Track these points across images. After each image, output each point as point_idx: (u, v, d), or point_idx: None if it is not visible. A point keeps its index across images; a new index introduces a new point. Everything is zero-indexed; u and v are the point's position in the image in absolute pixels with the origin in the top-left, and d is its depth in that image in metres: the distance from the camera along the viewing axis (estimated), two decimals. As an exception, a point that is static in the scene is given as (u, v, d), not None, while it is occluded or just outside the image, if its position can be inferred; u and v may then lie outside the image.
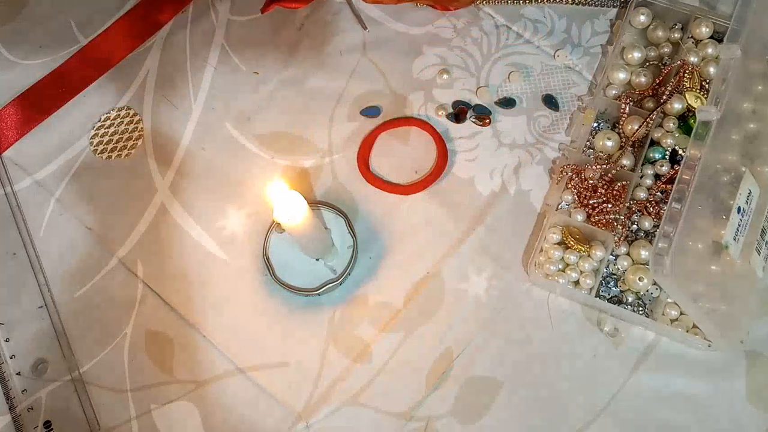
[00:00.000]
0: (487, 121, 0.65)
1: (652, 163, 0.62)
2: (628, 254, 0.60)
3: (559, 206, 0.62)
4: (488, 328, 0.60)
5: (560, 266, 0.60)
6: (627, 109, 0.63)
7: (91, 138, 0.67)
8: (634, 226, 0.61)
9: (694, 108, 0.62)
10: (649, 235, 0.61)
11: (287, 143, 0.66)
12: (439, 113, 0.66)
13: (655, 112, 0.62)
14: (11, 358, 0.61)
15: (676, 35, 0.65)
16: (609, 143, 0.62)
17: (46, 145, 0.67)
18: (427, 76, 0.67)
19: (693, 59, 0.63)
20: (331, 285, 0.60)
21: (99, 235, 0.64)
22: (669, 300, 0.58)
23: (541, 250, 0.61)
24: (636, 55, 0.65)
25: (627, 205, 0.60)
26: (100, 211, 0.65)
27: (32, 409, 0.60)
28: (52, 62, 0.70)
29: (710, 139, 0.52)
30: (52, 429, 0.59)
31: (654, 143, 0.62)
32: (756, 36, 0.56)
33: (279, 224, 0.57)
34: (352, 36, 0.69)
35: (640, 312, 0.59)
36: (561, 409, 0.58)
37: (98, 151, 0.67)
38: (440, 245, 0.62)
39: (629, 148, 0.62)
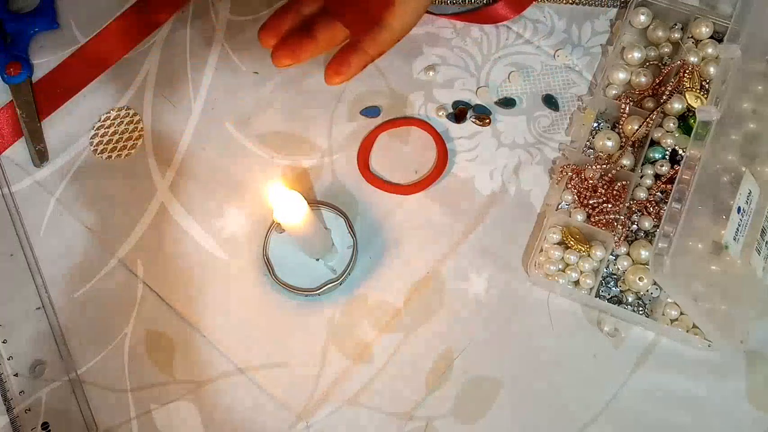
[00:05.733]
0: (487, 121, 0.65)
1: (652, 163, 0.62)
2: (628, 254, 0.60)
3: (559, 206, 0.62)
4: (488, 328, 0.60)
5: (560, 266, 0.60)
6: (627, 109, 0.63)
7: (91, 138, 0.67)
8: (634, 226, 0.61)
9: (694, 108, 0.62)
10: (649, 235, 0.61)
11: (287, 143, 0.66)
12: (439, 113, 0.66)
13: (655, 112, 0.62)
14: (9, 359, 0.61)
15: (676, 35, 0.66)
16: (609, 143, 0.62)
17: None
18: (427, 76, 0.67)
19: (693, 59, 0.63)
20: (331, 285, 0.60)
21: (99, 235, 0.64)
22: (669, 300, 0.58)
23: (541, 250, 0.61)
24: (636, 55, 0.65)
25: (627, 205, 0.60)
26: (100, 211, 0.65)
27: (30, 410, 0.60)
28: (51, 62, 0.70)
29: (710, 139, 0.52)
30: (50, 430, 0.59)
31: (654, 143, 0.62)
32: (756, 36, 0.56)
33: (279, 224, 0.58)
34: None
35: (640, 312, 0.59)
36: (561, 408, 0.58)
37: (98, 151, 0.67)
38: (440, 245, 0.62)
39: (629, 148, 0.62)
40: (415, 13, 0.55)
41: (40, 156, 0.66)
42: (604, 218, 0.60)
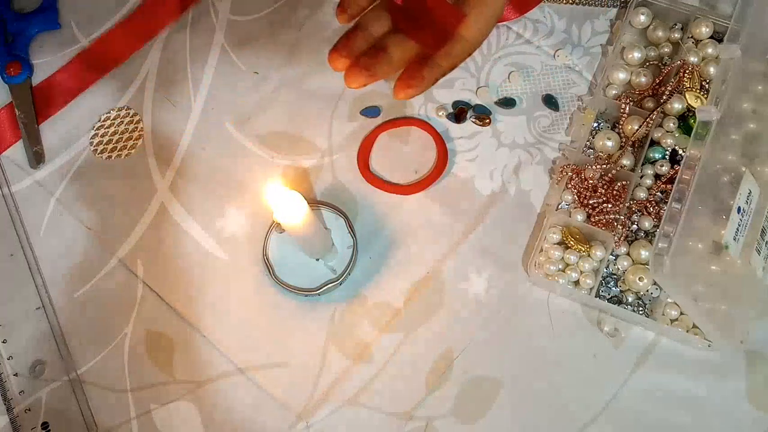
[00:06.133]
0: (487, 121, 0.65)
1: (652, 163, 0.62)
2: (628, 254, 0.60)
3: (559, 206, 0.62)
4: (488, 328, 0.60)
5: (560, 266, 0.60)
6: (627, 109, 0.63)
7: (92, 138, 0.67)
8: (634, 226, 0.61)
9: (694, 108, 0.62)
10: (649, 235, 0.61)
11: (287, 143, 0.66)
12: (439, 113, 0.66)
13: (655, 112, 0.62)
14: (9, 359, 0.61)
15: (676, 35, 0.65)
16: (609, 143, 0.62)
17: (46, 145, 0.67)
18: (427, 76, 0.67)
19: (693, 59, 0.63)
20: (331, 285, 0.60)
21: (99, 235, 0.64)
22: (669, 300, 0.58)
23: (541, 250, 0.61)
24: (636, 55, 0.65)
25: (627, 205, 0.60)
26: (100, 211, 0.65)
27: (30, 410, 0.60)
28: (51, 62, 0.70)
29: (710, 139, 0.52)
30: (49, 430, 0.59)
31: (654, 143, 0.62)
32: (756, 36, 0.56)
33: (279, 224, 0.58)
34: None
35: (640, 312, 0.59)
36: (561, 408, 0.58)
37: (98, 151, 0.67)
38: (440, 245, 0.62)
39: (629, 148, 0.62)
40: (489, 23, 0.53)
41: (37, 158, 0.66)
42: (604, 218, 0.60)
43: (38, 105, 0.69)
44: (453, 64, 0.53)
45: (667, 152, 0.62)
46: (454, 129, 0.66)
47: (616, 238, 0.59)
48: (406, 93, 0.52)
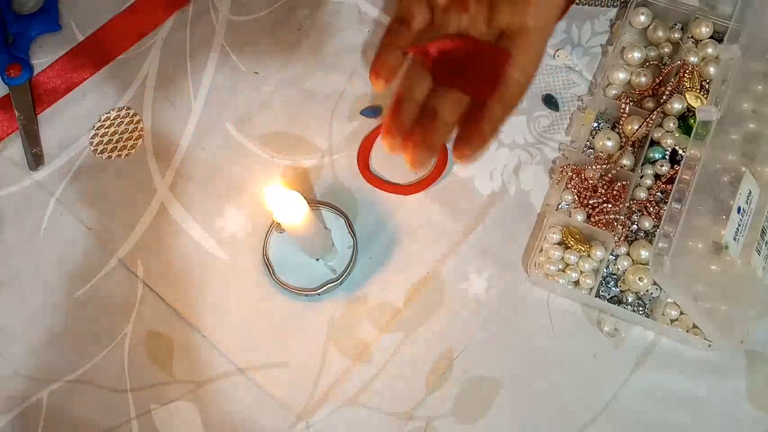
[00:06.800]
0: (487, 121, 0.65)
1: (652, 163, 0.62)
2: (628, 254, 0.60)
3: (559, 206, 0.62)
4: (488, 328, 0.60)
5: (560, 266, 0.60)
6: (627, 109, 0.63)
7: (92, 138, 0.67)
8: (634, 226, 0.61)
9: (694, 108, 0.62)
10: (649, 235, 0.61)
11: (287, 143, 0.66)
12: (439, 113, 0.66)
13: (655, 112, 0.62)
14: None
15: (676, 35, 0.65)
16: (609, 143, 0.62)
17: (46, 144, 0.67)
18: (427, 76, 0.67)
19: (693, 59, 0.63)
20: (331, 285, 0.60)
21: (99, 235, 0.64)
22: (669, 300, 0.58)
23: (541, 250, 0.61)
24: (636, 55, 0.65)
25: (627, 205, 0.60)
26: (100, 211, 0.65)
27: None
28: (50, 61, 0.70)
29: (710, 139, 0.52)
30: None
31: (654, 143, 0.62)
32: (756, 36, 0.56)
33: (279, 224, 0.58)
34: (351, 36, 0.69)
35: (640, 312, 0.59)
36: (561, 408, 0.58)
37: (98, 151, 0.67)
38: (440, 245, 0.62)
39: (629, 148, 0.62)
40: (536, 59, 0.48)
41: (36, 160, 0.66)
42: (604, 218, 0.60)
43: (38, 104, 0.69)
44: (509, 109, 0.48)
45: (667, 152, 0.62)
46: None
47: (616, 238, 0.59)
48: (468, 158, 0.47)
